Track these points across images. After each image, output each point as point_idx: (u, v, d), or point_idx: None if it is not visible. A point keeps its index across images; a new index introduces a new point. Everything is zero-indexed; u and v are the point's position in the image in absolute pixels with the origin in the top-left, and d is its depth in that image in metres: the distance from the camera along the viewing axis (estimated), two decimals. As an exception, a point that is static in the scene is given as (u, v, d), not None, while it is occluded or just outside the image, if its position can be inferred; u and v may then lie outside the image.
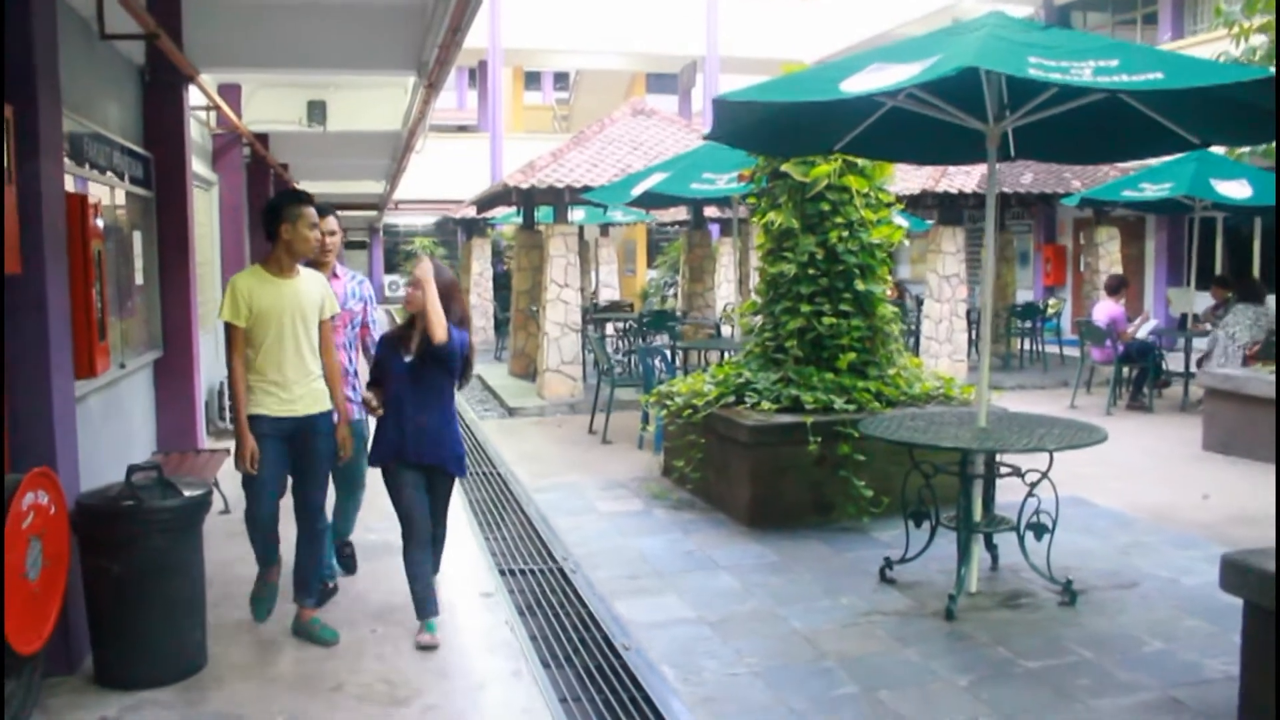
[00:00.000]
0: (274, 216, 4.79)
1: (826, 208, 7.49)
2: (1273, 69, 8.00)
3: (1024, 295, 19.65)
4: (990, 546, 6.01)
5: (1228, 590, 3.99)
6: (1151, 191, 11.64)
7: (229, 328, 4.72)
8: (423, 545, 4.89)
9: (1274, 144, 7.98)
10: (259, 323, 4.69)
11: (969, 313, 15.22)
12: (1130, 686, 4.48)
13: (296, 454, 4.86)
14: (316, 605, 5.01)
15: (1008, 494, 5.93)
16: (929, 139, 6.16)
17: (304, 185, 19.39)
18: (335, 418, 4.95)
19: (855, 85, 4.56)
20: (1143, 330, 12.27)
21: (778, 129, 5.96)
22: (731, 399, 7.50)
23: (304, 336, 4.81)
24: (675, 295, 21.22)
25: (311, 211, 4.83)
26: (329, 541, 5.26)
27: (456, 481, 5.18)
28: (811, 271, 7.51)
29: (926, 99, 5.37)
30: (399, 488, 4.87)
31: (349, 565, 5.78)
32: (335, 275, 5.37)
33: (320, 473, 4.94)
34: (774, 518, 6.98)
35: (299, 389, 4.79)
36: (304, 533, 4.92)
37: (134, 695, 4.20)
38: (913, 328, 16.21)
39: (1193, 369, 11.93)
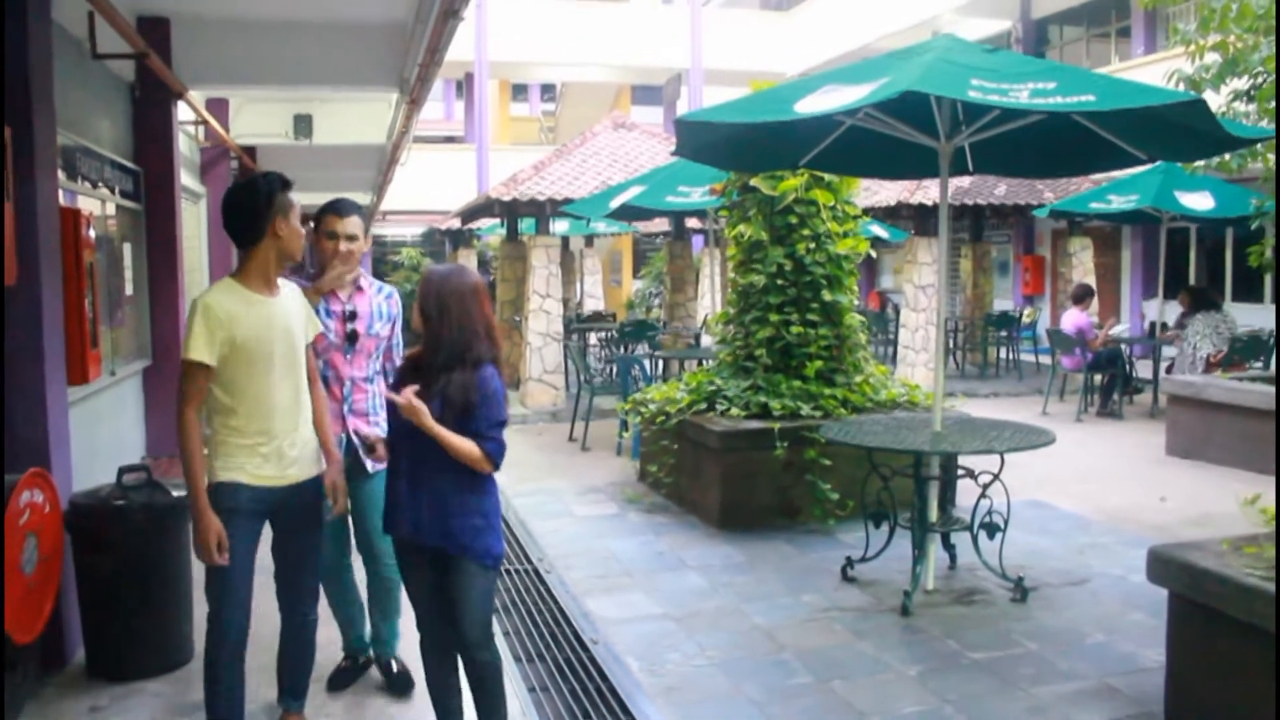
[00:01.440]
0: (263, 208, 3.56)
1: (794, 220, 7.76)
2: (1223, 88, 8.33)
3: (1003, 305, 19.97)
4: (948, 546, 6.26)
5: (1153, 581, 4.26)
6: (1118, 203, 11.97)
7: (189, 368, 3.47)
8: (435, 652, 3.66)
9: (1222, 157, 8.26)
10: (237, 358, 3.49)
11: (945, 322, 15.50)
12: (1069, 675, 4.74)
13: (280, 530, 3.75)
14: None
15: (971, 497, 6.17)
16: (890, 155, 6.43)
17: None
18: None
19: (808, 106, 4.82)
20: (1116, 329, 12.65)
21: (742, 146, 6.22)
22: (703, 406, 7.76)
23: (298, 373, 3.71)
24: (660, 305, 21.48)
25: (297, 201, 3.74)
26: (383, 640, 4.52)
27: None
28: (780, 282, 7.77)
29: (881, 118, 5.64)
30: (402, 569, 3.73)
31: (402, 688, 4.43)
32: (360, 289, 4.34)
33: (314, 552, 3.86)
34: (743, 520, 7.22)
35: (293, 447, 3.66)
36: (290, 624, 3.89)
37: (124, 686, 4.42)
38: (893, 336, 16.52)
39: (1162, 376, 12.22)
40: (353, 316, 4.27)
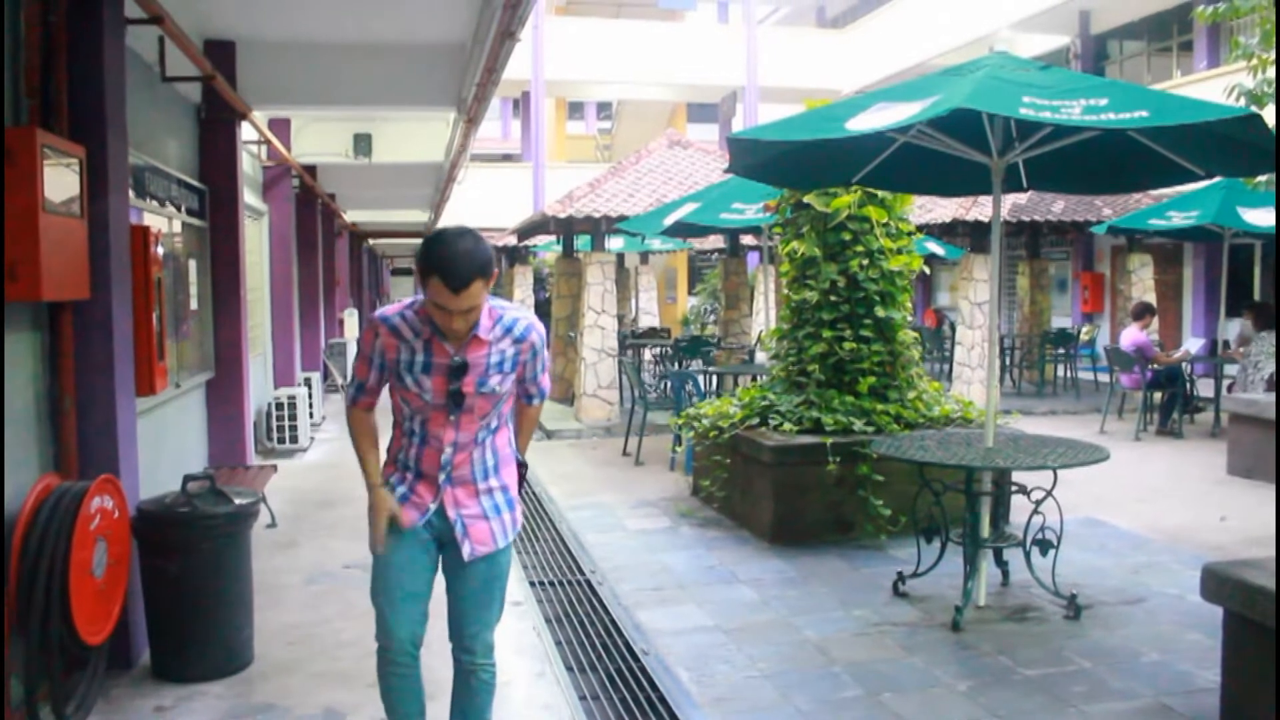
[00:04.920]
0: None
1: (848, 237, 7.78)
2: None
3: (1062, 322, 19.77)
4: (1001, 563, 6.23)
5: (1208, 599, 4.22)
6: (1179, 219, 11.84)
7: None
8: None
9: (1271, 175, 8.17)
10: None
11: (1002, 339, 15.41)
12: (1124, 693, 4.70)
13: None
14: None
15: (1025, 513, 6.13)
16: (943, 172, 6.44)
17: (351, 214, 19.99)
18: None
19: (860, 124, 4.86)
20: (1194, 346, 12.64)
21: (795, 163, 6.27)
22: (756, 421, 7.79)
23: None
24: (715, 322, 21.55)
25: None
26: None
27: None
28: (833, 298, 7.79)
29: (933, 135, 5.66)
30: None
31: None
32: (477, 337, 3.25)
33: None
34: (795, 535, 7.24)
35: None
36: None
37: (187, 687, 4.55)
38: (949, 354, 16.44)
39: (1224, 394, 12.04)
40: (460, 371, 3.25)
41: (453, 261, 3.04)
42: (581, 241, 15.33)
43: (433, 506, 3.36)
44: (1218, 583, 4.16)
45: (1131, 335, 12.22)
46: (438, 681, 3.89)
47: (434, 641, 3.58)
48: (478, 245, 3.11)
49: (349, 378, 3.42)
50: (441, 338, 3.23)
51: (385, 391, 3.45)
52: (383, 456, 3.49)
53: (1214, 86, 11.40)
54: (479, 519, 3.38)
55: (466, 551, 3.36)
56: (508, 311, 3.35)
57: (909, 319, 8.11)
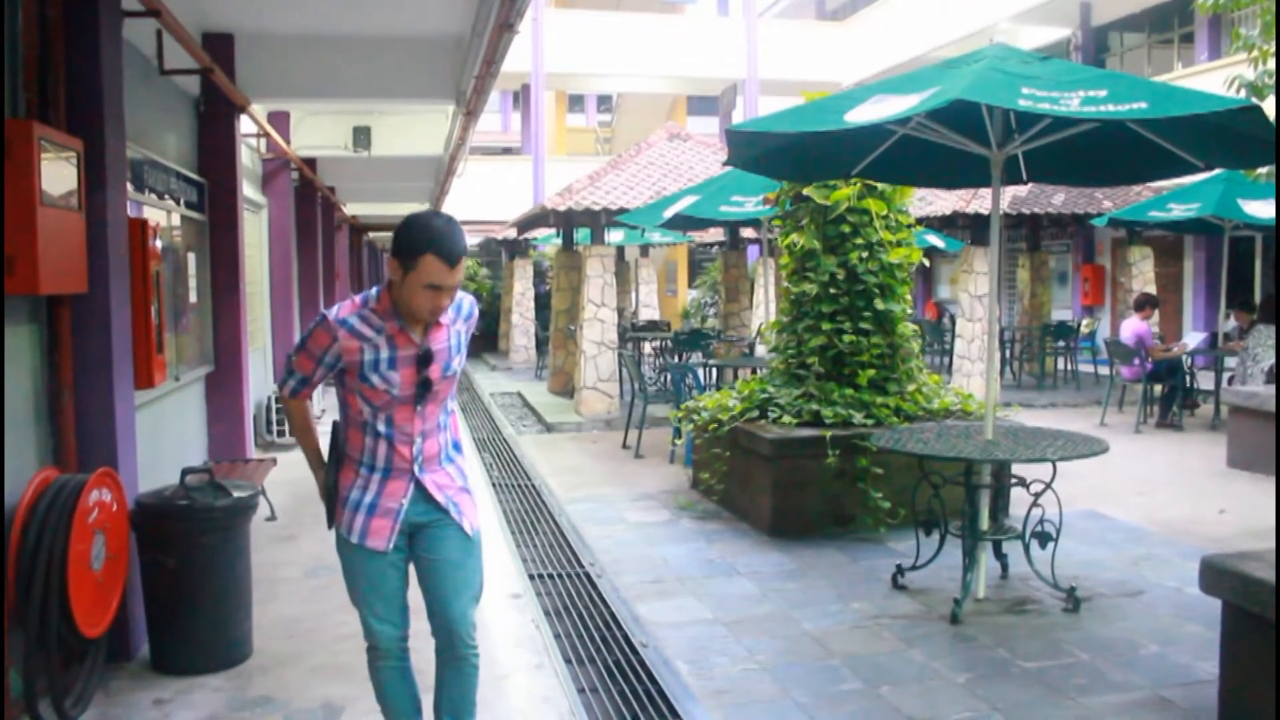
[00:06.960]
0: None
1: (847, 229, 7.78)
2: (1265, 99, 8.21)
3: (1062, 315, 19.77)
4: (1000, 555, 6.23)
5: (1206, 591, 4.22)
6: (1179, 211, 11.83)
7: None
8: None
9: (1271, 166, 8.16)
10: None
11: (1002, 332, 15.41)
12: (1122, 686, 4.70)
13: None
14: None
15: (1025, 506, 6.13)
16: (942, 164, 6.44)
17: (351, 208, 19.97)
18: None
19: (858, 116, 4.85)
20: (1194, 340, 12.62)
21: (794, 156, 6.26)
22: (755, 414, 7.79)
23: None
24: (715, 315, 21.55)
25: None
26: None
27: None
28: (833, 291, 7.79)
29: (933, 127, 5.65)
30: None
31: None
32: (438, 322, 3.32)
33: None
34: (794, 528, 7.24)
35: None
36: None
37: (186, 680, 4.55)
38: (949, 346, 16.44)
39: (1224, 387, 12.04)
40: (427, 359, 3.27)
41: (446, 236, 3.12)
42: (581, 234, 15.33)
43: (405, 503, 3.33)
44: (1216, 575, 4.16)
45: (1132, 325, 12.22)
46: (430, 674, 3.88)
47: (421, 635, 3.57)
48: (452, 220, 3.21)
49: (286, 369, 3.44)
50: (406, 330, 3.25)
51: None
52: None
53: (1215, 78, 11.37)
54: (463, 493, 3.43)
55: (468, 526, 3.40)
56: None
57: (909, 311, 8.11)
